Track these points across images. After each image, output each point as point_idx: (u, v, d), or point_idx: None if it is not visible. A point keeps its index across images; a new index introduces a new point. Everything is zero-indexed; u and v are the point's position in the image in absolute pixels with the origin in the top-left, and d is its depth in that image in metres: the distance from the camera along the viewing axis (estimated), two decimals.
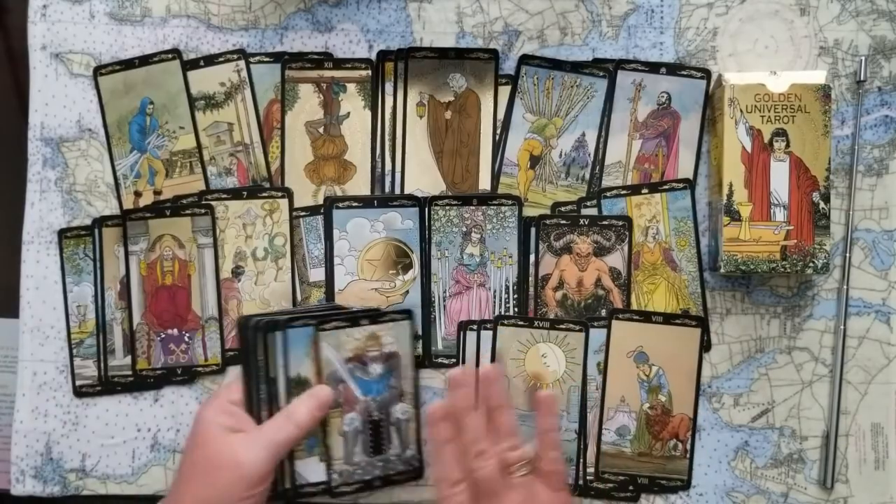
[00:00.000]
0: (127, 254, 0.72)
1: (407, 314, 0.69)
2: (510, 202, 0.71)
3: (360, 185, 0.73)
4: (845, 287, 0.70)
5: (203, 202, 0.72)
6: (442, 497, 0.61)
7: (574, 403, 0.70)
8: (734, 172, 0.67)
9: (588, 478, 0.70)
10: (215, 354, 0.72)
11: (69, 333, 0.72)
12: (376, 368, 0.68)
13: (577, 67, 0.72)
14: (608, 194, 0.72)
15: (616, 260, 0.71)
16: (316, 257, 0.72)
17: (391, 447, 0.68)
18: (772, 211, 0.67)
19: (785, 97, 0.67)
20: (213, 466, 0.60)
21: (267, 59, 0.72)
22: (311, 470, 0.66)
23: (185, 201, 0.72)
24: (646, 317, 0.70)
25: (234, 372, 0.72)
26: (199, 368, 0.72)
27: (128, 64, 0.72)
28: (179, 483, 0.62)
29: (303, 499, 0.66)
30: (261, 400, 0.64)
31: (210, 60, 0.72)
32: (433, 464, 0.65)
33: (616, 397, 0.70)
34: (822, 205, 0.67)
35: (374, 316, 0.67)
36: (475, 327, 0.71)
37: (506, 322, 0.70)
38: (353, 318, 0.67)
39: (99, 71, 0.72)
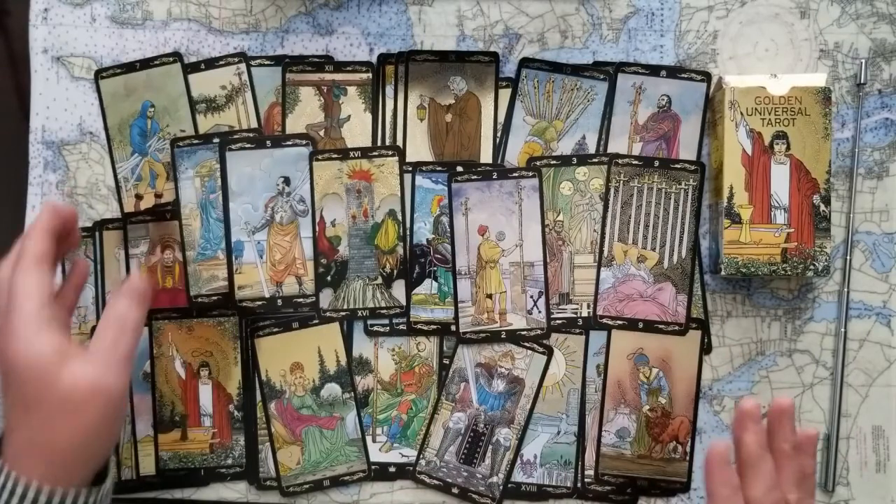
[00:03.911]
0: (127, 257, 0.72)
1: (547, 351, 0.70)
2: None
3: None
4: (846, 290, 0.70)
5: None
6: None
7: (574, 406, 0.70)
8: (735, 175, 0.67)
9: (587, 480, 0.70)
10: None
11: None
12: (499, 385, 0.69)
13: (577, 70, 0.72)
14: None
15: None
16: None
17: (481, 465, 0.69)
18: (772, 213, 0.67)
19: (785, 100, 0.67)
20: (66, 409, 0.50)
21: (268, 62, 0.73)
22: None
23: None
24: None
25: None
26: None
27: (129, 67, 0.73)
28: (22, 429, 0.51)
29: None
30: None
31: (211, 63, 0.73)
32: None
33: (616, 399, 0.70)
34: (822, 207, 0.67)
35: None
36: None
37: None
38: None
39: (100, 74, 0.72)
